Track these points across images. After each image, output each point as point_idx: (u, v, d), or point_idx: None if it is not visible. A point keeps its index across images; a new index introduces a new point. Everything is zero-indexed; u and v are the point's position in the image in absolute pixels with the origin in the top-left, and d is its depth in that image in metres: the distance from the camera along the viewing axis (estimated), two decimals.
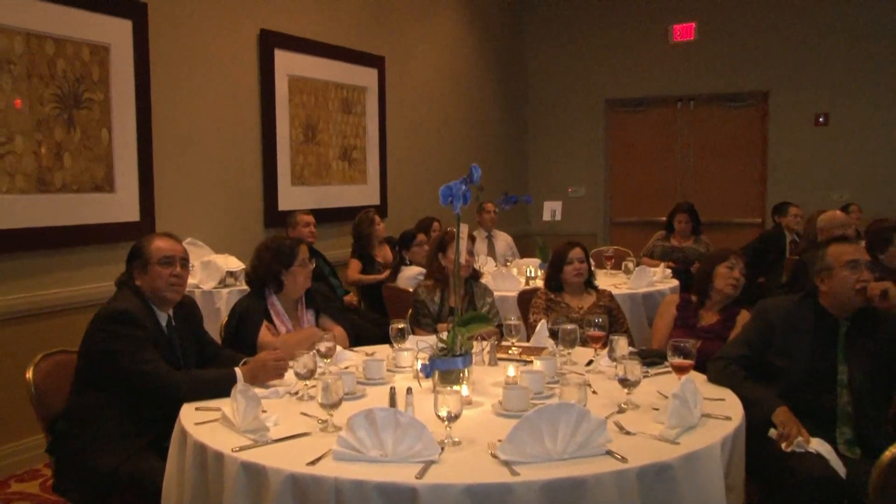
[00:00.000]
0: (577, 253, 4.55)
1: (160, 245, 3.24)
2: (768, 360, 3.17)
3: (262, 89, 6.48)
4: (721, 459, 2.41)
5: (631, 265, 6.21)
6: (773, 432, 2.88)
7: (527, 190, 10.84)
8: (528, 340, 4.13)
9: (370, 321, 6.15)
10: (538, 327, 3.84)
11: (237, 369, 3.10)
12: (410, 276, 5.95)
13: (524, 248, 9.34)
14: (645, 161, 10.62)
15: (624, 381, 2.79)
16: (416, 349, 3.32)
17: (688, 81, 10.19)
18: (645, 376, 3.04)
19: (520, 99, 11.02)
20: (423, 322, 4.42)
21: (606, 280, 5.97)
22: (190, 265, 3.38)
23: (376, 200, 8.01)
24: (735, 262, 4.01)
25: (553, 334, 3.60)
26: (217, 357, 3.43)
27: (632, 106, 10.59)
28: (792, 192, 9.38)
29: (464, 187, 2.81)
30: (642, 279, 5.72)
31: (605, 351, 3.37)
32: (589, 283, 4.60)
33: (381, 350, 3.79)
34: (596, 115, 10.72)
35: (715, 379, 3.11)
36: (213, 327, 4.52)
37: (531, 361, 3.32)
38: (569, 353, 3.44)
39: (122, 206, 5.27)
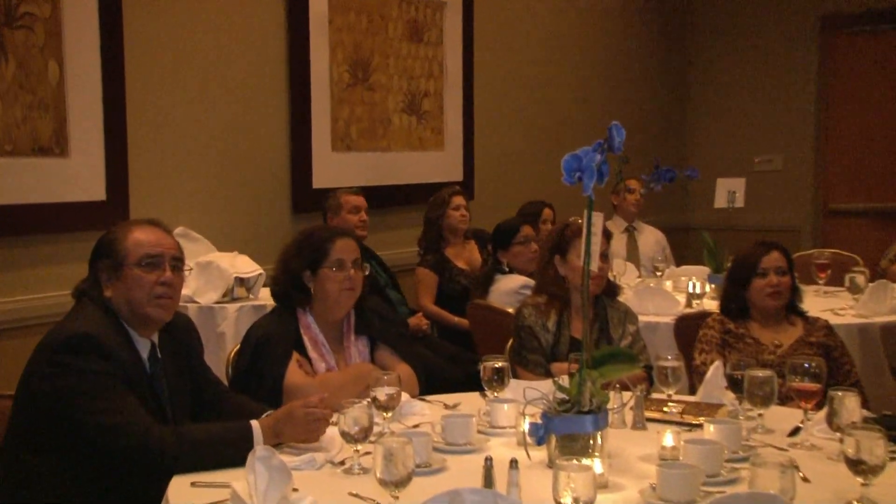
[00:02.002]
0: (773, 260, 4.49)
1: (140, 238, 3.29)
2: None
3: (288, 7, 6.58)
4: None
5: (861, 279, 6.09)
6: None
7: (689, 161, 10.74)
8: (692, 392, 4.07)
9: (448, 356, 6.18)
10: (709, 373, 3.81)
11: (254, 424, 3.13)
12: (510, 289, 5.95)
13: (683, 250, 9.21)
14: (883, 115, 10.39)
15: (856, 464, 2.73)
16: (521, 401, 3.28)
17: None
18: (893, 458, 2.96)
19: (677, 21, 10.94)
20: (530, 360, 4.42)
21: (820, 302, 5.88)
22: (186, 268, 3.45)
23: (458, 175, 8.06)
24: None
25: (734, 384, 3.57)
26: (223, 405, 3.48)
27: (862, 25, 10.38)
28: None
29: (598, 157, 2.80)
30: (881, 301, 5.61)
31: (822, 414, 3.31)
32: (792, 308, 4.55)
33: (468, 400, 3.79)
34: (803, 41, 10.59)
35: None
36: (218, 360, 4.59)
37: (700, 425, 3.29)
38: (760, 415, 3.40)
39: (79, 177, 5.39)
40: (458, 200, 6.88)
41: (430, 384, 4.11)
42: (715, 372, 3.79)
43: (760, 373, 3.40)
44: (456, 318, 6.51)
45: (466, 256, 6.93)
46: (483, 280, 6.17)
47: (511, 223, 6.40)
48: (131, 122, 5.62)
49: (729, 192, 7.03)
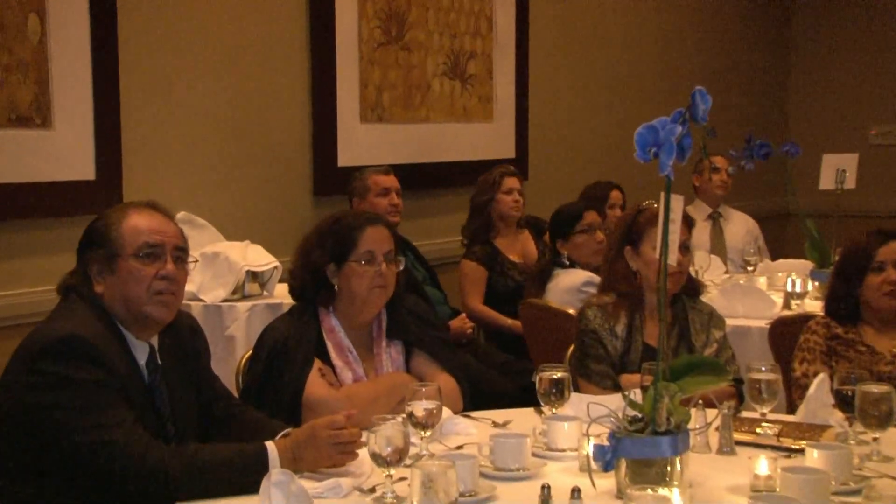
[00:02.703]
0: (892, 251, 4.46)
1: (138, 224, 3.32)
2: None
3: None
4: None
5: None
6: None
7: (789, 134, 10.70)
8: (791, 411, 4.06)
9: (498, 364, 6.20)
10: (812, 387, 3.80)
11: (270, 445, 3.16)
12: (570, 286, 5.94)
13: (780, 240, 9.17)
14: None
15: None
16: (584, 419, 3.28)
17: None
18: None
19: None
20: (595, 370, 4.41)
21: None
22: (190, 260, 3.48)
23: (509, 152, 8.08)
24: None
25: (843, 401, 3.56)
26: (233, 421, 3.51)
27: None
28: None
29: (679, 129, 2.79)
30: None
31: None
32: None
33: (521, 417, 3.80)
34: None
35: None
36: (226, 368, 4.62)
37: (801, 451, 3.28)
38: (876, 439, 3.39)
39: (64, 153, 5.42)
40: (511, 182, 6.88)
41: (476, 398, 4.12)
42: (819, 386, 3.77)
43: (876, 387, 3.38)
44: (508, 321, 6.52)
45: (520, 248, 6.94)
46: (539, 275, 6.17)
47: (573, 208, 6.37)
48: (125, 87, 5.64)
49: (838, 170, 6.97)
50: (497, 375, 6.04)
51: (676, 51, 9.71)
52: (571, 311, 5.24)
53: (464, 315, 6.55)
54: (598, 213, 6.45)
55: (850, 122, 10.71)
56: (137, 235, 3.29)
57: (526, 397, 3.93)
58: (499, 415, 3.89)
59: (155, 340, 3.37)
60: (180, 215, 5.49)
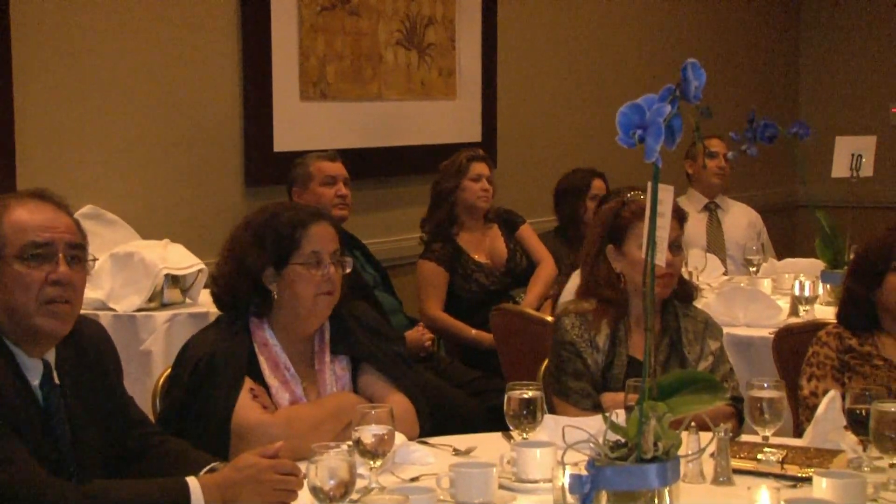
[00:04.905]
0: None
1: (23, 219, 3.28)
2: None
3: None
4: None
5: None
6: None
7: (796, 114, 10.82)
8: (798, 434, 4.10)
9: (460, 381, 6.22)
10: (822, 407, 3.83)
11: (193, 481, 3.15)
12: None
13: (788, 236, 9.22)
14: None
15: None
16: (559, 445, 3.25)
17: None
18: None
19: None
20: (572, 388, 4.41)
21: None
22: (90, 259, 3.43)
23: (474, 134, 8.11)
24: None
25: (857, 422, 3.58)
26: (149, 452, 3.49)
27: None
28: None
29: (668, 108, 2.77)
30: None
31: None
32: None
33: (488, 443, 3.82)
34: None
35: None
36: (142, 389, 4.62)
37: (808, 479, 3.30)
38: (893, 465, 3.42)
39: None
40: (480, 168, 6.88)
41: (436, 421, 4.12)
42: (830, 405, 3.78)
43: (894, 406, 3.40)
44: (472, 331, 6.54)
45: (487, 246, 6.96)
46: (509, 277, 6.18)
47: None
48: (18, 55, 5.63)
49: (853, 155, 7.01)
50: (462, 395, 6.06)
51: (673, 21, 9.76)
52: (549, 318, 5.23)
53: (422, 325, 6.55)
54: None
55: (867, 99, 10.79)
56: (21, 233, 3.24)
57: (495, 420, 3.92)
58: (461, 440, 3.90)
59: (52, 355, 3.33)
60: (86, 209, 5.52)
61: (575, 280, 5.85)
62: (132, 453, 3.48)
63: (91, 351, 3.46)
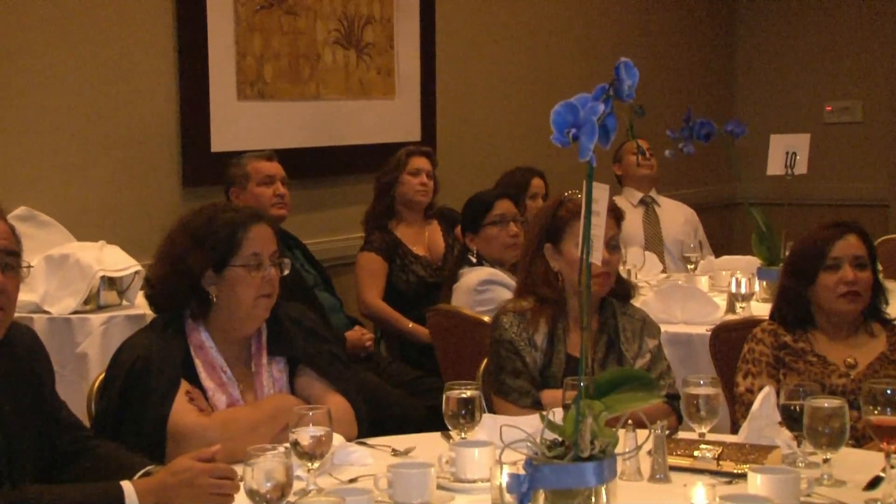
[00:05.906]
0: (849, 247, 4.49)
1: None
2: None
3: None
4: None
5: None
6: None
7: (732, 112, 10.84)
8: (734, 430, 4.09)
9: (400, 380, 6.23)
10: (757, 402, 3.84)
11: (127, 485, 3.14)
12: (468, 286, 5.96)
13: (724, 233, 9.25)
14: None
15: None
16: (497, 444, 3.28)
17: None
18: None
19: None
20: (511, 386, 4.41)
21: None
22: (24, 265, 3.41)
23: (414, 133, 8.11)
24: None
25: (790, 417, 3.60)
26: (83, 457, 3.46)
27: None
28: None
29: (602, 107, 2.78)
30: None
31: None
32: (873, 314, 4.56)
33: (426, 443, 3.84)
34: None
35: None
36: (77, 393, 4.58)
37: (744, 475, 3.31)
38: (827, 461, 3.43)
39: None
40: (419, 163, 6.91)
41: (376, 422, 4.15)
42: (764, 401, 3.79)
43: (826, 402, 3.42)
44: (409, 323, 6.56)
45: (426, 240, 6.99)
46: (450, 275, 6.19)
47: (486, 197, 6.37)
48: None
49: (787, 153, 7.04)
50: (402, 394, 6.07)
51: (609, 21, 9.76)
52: (486, 318, 5.23)
53: (360, 328, 6.55)
54: (515, 203, 6.46)
55: (802, 97, 10.85)
56: None
57: (435, 419, 3.93)
58: (400, 441, 3.90)
59: None
60: (19, 211, 5.49)
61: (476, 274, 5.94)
62: (65, 458, 3.46)
63: (21, 358, 3.43)
